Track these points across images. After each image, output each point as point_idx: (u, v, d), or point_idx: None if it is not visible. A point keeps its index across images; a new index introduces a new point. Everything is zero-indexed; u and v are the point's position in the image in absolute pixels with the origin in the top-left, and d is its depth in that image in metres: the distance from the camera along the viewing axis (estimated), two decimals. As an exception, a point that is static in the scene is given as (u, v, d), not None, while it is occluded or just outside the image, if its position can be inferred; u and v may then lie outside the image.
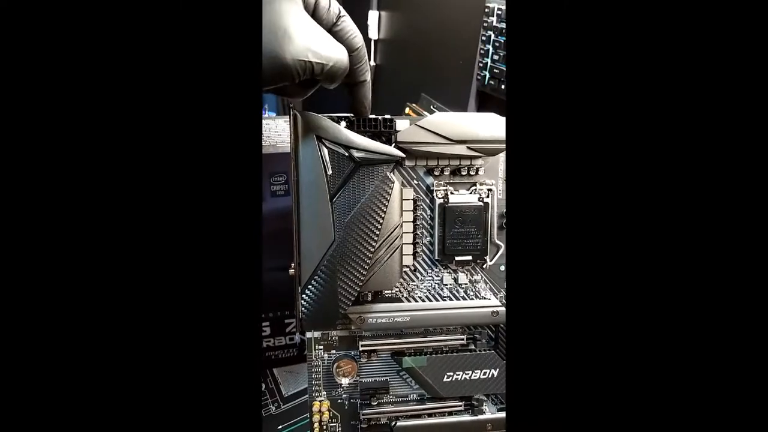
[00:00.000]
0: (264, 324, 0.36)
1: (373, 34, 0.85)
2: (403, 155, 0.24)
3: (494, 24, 0.52)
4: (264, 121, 0.32)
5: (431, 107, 0.73)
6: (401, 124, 0.25)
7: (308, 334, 0.26)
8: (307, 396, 0.36)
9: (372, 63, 0.88)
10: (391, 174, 0.24)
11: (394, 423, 0.27)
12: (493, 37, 0.52)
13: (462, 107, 0.63)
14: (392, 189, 0.24)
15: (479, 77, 0.56)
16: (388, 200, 0.24)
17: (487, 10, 0.52)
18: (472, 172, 0.26)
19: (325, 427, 0.28)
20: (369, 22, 0.84)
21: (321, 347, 0.27)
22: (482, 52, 0.55)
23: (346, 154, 0.23)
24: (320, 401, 0.27)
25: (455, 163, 0.26)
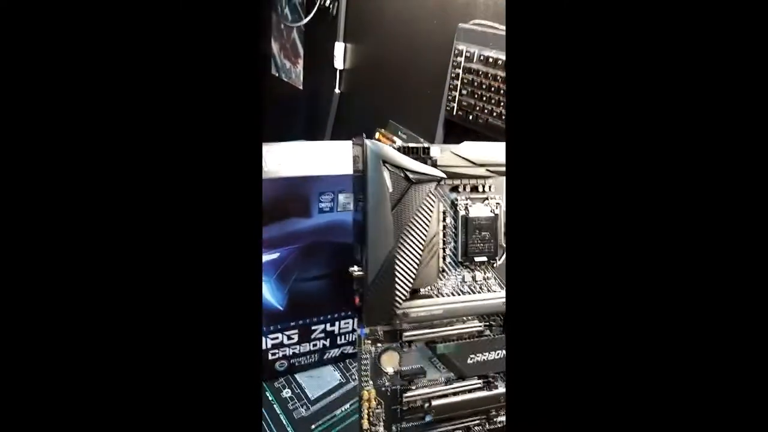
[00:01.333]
0: (293, 332, 0.39)
1: (338, 64, 0.91)
2: (444, 175, 0.29)
3: (463, 63, 0.60)
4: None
5: (399, 132, 0.80)
6: (434, 150, 0.30)
7: (359, 331, 0.31)
8: (333, 396, 0.39)
9: (337, 91, 0.94)
10: (434, 190, 0.30)
11: (428, 404, 0.32)
12: (461, 75, 0.61)
13: (430, 133, 0.71)
14: (435, 203, 0.30)
15: (448, 108, 0.65)
16: (432, 212, 0.29)
17: (456, 51, 0.61)
18: (486, 189, 0.33)
19: (371, 413, 0.31)
20: (335, 53, 0.90)
21: (369, 341, 0.31)
22: (451, 86, 0.63)
23: (402, 175, 0.28)
24: (368, 390, 0.31)
25: (473, 182, 0.32)
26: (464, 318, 0.33)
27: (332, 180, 0.32)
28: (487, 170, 0.31)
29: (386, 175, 0.28)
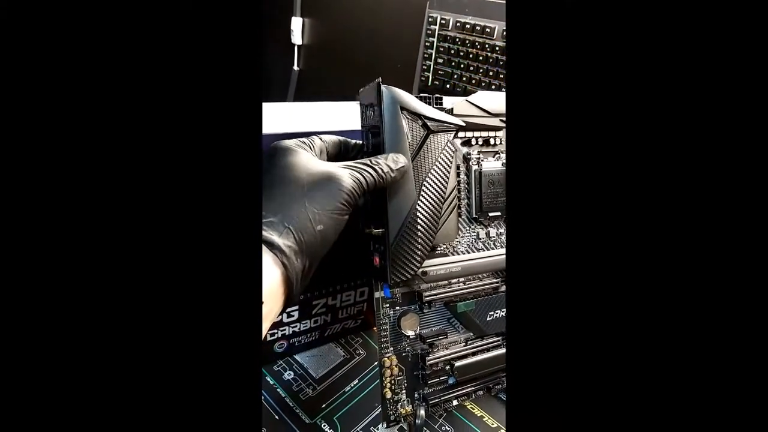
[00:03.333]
0: (293, 308, 0.36)
1: (296, 39, 0.86)
2: (463, 124, 0.28)
3: (437, 31, 0.59)
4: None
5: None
6: (446, 102, 0.29)
7: (382, 292, 0.29)
8: (339, 373, 0.37)
9: (295, 68, 0.89)
10: (453, 140, 0.28)
11: (450, 366, 0.31)
12: (436, 43, 0.60)
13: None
14: (454, 154, 0.28)
15: (423, 78, 0.63)
16: (451, 163, 0.28)
17: (430, 19, 0.59)
18: (496, 142, 0.32)
19: (394, 381, 0.30)
20: (292, 28, 0.85)
21: (387, 305, 0.29)
22: (425, 55, 0.62)
23: (420, 123, 0.26)
24: (389, 357, 0.30)
25: (484, 134, 0.31)
26: (480, 275, 0.32)
27: (289, 137, 0.30)
28: (501, 120, 0.30)
29: (404, 122, 0.26)
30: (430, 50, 0.61)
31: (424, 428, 0.32)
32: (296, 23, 0.86)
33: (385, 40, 0.73)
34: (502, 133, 0.32)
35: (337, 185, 0.23)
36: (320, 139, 0.27)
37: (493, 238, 0.33)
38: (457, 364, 0.31)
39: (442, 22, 0.58)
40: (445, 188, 0.28)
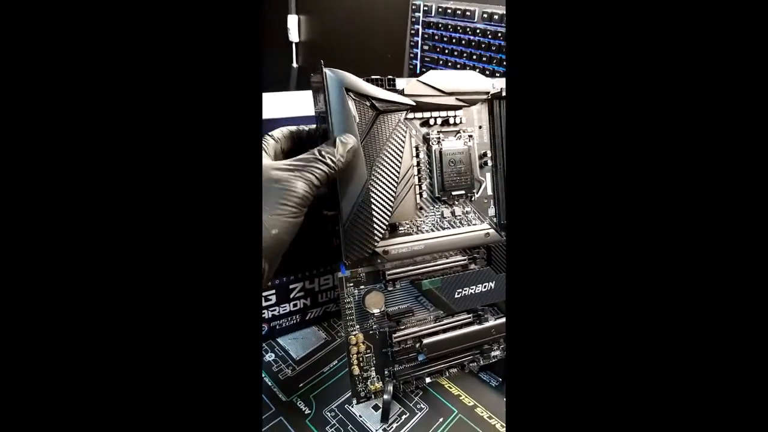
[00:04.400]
0: (269, 292, 0.37)
1: (293, 37, 0.88)
2: (414, 103, 0.28)
3: (422, 19, 0.59)
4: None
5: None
6: (399, 83, 0.29)
7: (339, 274, 0.30)
8: (319, 354, 0.38)
9: (294, 65, 0.91)
10: (404, 120, 0.29)
11: (419, 343, 0.31)
12: (421, 30, 0.60)
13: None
14: (406, 133, 0.29)
15: (411, 66, 0.64)
16: (404, 143, 0.29)
17: (413, 6, 0.59)
18: (456, 122, 0.32)
19: (361, 358, 0.31)
20: (289, 26, 0.87)
21: (351, 284, 0.30)
22: (412, 44, 0.62)
23: (369, 104, 0.27)
24: (355, 335, 0.31)
25: (444, 114, 0.31)
26: (447, 253, 0.33)
27: (287, 123, 0.31)
28: (457, 99, 0.31)
29: (351, 104, 0.26)
30: (416, 38, 0.61)
31: (403, 408, 0.32)
32: (292, 21, 0.88)
33: (375, 31, 0.73)
34: (462, 112, 0.32)
35: (287, 191, 0.24)
36: (272, 138, 0.28)
37: (459, 217, 0.33)
38: (426, 341, 0.31)
39: (425, 8, 0.58)
40: (399, 167, 0.29)
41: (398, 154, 0.28)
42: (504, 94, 0.32)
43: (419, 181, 0.31)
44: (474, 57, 0.54)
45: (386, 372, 0.32)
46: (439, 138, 0.32)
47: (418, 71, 0.62)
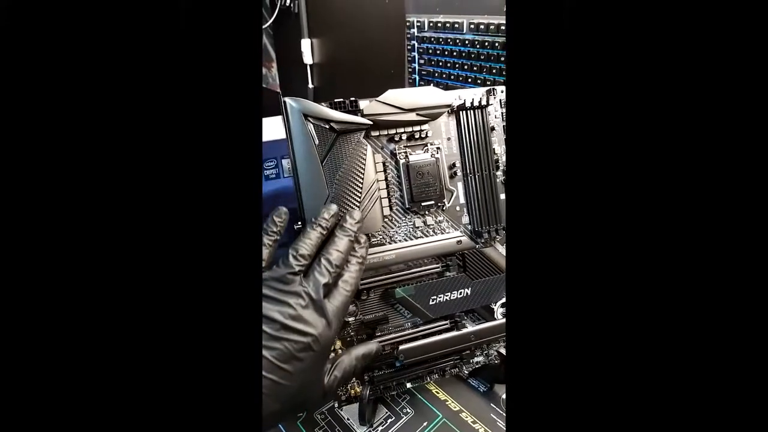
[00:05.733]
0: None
1: (307, 59, 0.92)
2: (371, 122, 0.31)
3: (416, 34, 0.61)
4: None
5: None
6: (363, 104, 0.32)
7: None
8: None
9: (310, 86, 0.95)
10: (363, 139, 0.31)
11: (397, 348, 0.33)
12: (417, 45, 0.62)
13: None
14: (366, 150, 0.31)
15: (410, 79, 0.66)
16: (365, 159, 0.31)
17: (408, 23, 0.62)
18: (422, 135, 0.33)
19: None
20: (303, 49, 0.92)
21: (327, 294, 0.32)
22: (409, 59, 0.64)
23: (328, 127, 0.29)
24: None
25: (409, 129, 0.33)
26: (422, 262, 0.34)
27: (271, 145, 0.34)
28: (418, 114, 0.32)
29: (311, 128, 0.29)
30: (413, 53, 0.63)
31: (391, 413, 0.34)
32: (305, 45, 0.93)
33: (378, 49, 0.76)
34: (427, 126, 0.33)
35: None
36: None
37: (431, 226, 0.34)
38: (402, 347, 0.33)
39: (418, 24, 0.60)
40: (360, 182, 0.30)
41: (359, 170, 0.30)
42: (468, 105, 0.33)
43: (389, 194, 0.33)
44: (465, 67, 0.55)
45: (366, 377, 0.33)
46: (406, 152, 0.33)
47: (416, 85, 0.64)
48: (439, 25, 0.57)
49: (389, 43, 0.71)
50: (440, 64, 0.59)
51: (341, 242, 0.28)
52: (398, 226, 0.33)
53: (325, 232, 0.28)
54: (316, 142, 0.29)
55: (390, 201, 0.33)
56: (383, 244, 0.33)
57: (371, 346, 0.31)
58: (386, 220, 0.33)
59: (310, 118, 0.29)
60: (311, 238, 0.28)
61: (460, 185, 0.35)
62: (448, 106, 0.33)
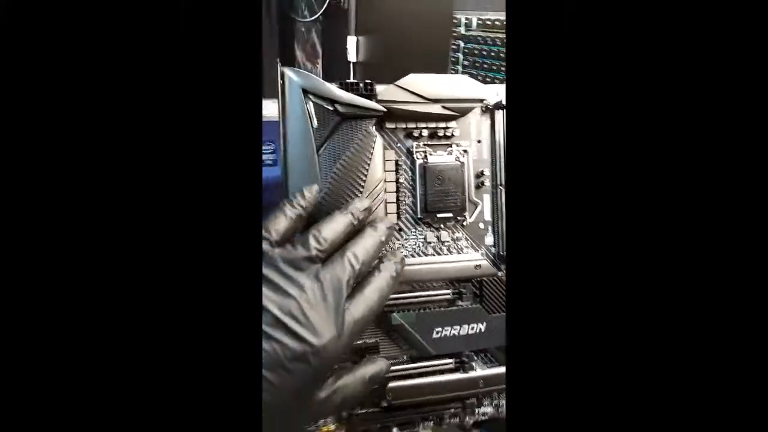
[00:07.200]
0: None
1: (351, 57, 0.89)
2: (384, 110, 0.25)
3: (462, 32, 0.56)
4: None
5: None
6: (380, 88, 0.27)
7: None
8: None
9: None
10: (374, 129, 0.26)
11: (386, 384, 0.27)
12: (462, 45, 0.57)
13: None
14: (375, 143, 0.26)
15: (452, 83, 0.60)
16: (372, 153, 0.25)
17: (455, 20, 0.57)
18: (447, 134, 0.28)
19: (316, 392, 0.27)
20: (348, 47, 0.89)
21: (311, 308, 0.27)
22: (453, 59, 0.59)
23: (331, 108, 0.24)
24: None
25: (432, 125, 0.28)
26: (430, 285, 0.28)
27: (272, 127, 0.29)
28: (444, 107, 0.27)
29: (310, 107, 0.24)
30: (457, 53, 0.58)
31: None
32: (351, 42, 0.90)
33: (423, 49, 0.71)
34: (454, 124, 0.28)
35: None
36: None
37: (447, 243, 0.29)
38: (392, 384, 0.27)
39: (466, 22, 0.55)
40: (363, 179, 0.25)
41: (362, 165, 0.25)
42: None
43: (398, 199, 0.28)
44: (513, 71, 0.49)
45: (344, 414, 0.28)
46: (425, 152, 0.28)
47: (458, 88, 0.59)
48: (488, 22, 0.51)
49: (434, 42, 0.66)
50: (485, 66, 0.53)
51: (370, 240, 0.23)
52: (405, 239, 0.28)
53: (356, 223, 0.23)
54: (315, 124, 0.24)
55: (399, 207, 0.28)
56: (384, 257, 0.28)
57: (381, 365, 0.24)
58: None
59: (310, 95, 0.24)
60: (339, 222, 0.23)
61: (487, 198, 0.29)
62: (482, 101, 0.28)
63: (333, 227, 0.22)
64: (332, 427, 0.27)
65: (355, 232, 0.24)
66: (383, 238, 0.24)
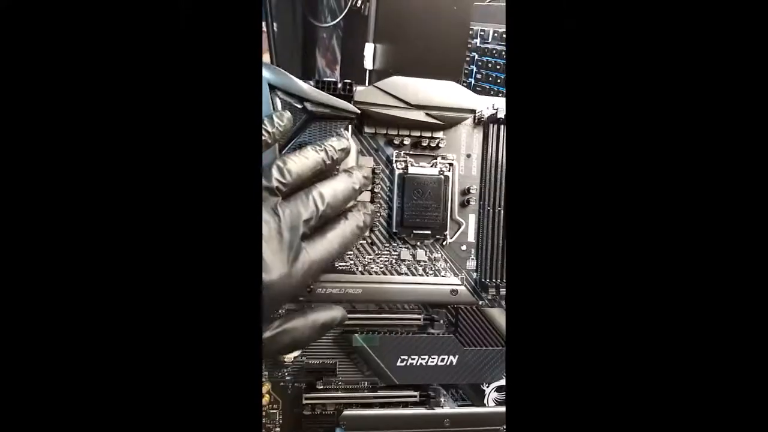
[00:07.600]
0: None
1: (368, 64, 0.88)
2: (358, 111, 0.23)
3: (478, 45, 0.54)
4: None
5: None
6: (358, 89, 0.25)
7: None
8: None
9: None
10: (346, 132, 0.24)
11: (341, 411, 0.25)
12: (476, 57, 0.54)
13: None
14: (347, 144, 0.23)
15: (463, 96, 0.58)
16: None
17: (471, 32, 0.55)
18: (432, 144, 0.26)
19: (264, 413, 0.25)
20: (365, 54, 0.88)
21: (266, 320, 0.25)
22: (466, 72, 0.57)
23: (299, 106, 0.22)
24: (262, 382, 0.25)
25: (416, 133, 0.25)
26: (400, 307, 0.26)
27: None
28: (428, 114, 0.24)
29: (277, 103, 0.22)
30: (471, 66, 0.56)
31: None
32: (369, 49, 0.89)
33: (437, 60, 0.69)
34: (442, 134, 0.26)
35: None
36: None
37: (423, 263, 0.26)
38: (347, 412, 0.25)
39: (482, 34, 0.53)
40: (330, 186, 0.23)
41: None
42: (503, 117, 0.25)
43: (372, 207, 0.25)
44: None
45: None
46: (406, 161, 0.26)
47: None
48: (505, 36, 0.49)
49: (449, 52, 0.64)
50: (499, 81, 0.51)
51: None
52: (377, 254, 0.26)
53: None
54: (281, 122, 0.22)
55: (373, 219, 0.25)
56: (352, 272, 0.25)
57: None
58: (363, 242, 0.25)
59: (278, 92, 0.22)
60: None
61: (472, 218, 0.26)
62: (473, 112, 0.25)
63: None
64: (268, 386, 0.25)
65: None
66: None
